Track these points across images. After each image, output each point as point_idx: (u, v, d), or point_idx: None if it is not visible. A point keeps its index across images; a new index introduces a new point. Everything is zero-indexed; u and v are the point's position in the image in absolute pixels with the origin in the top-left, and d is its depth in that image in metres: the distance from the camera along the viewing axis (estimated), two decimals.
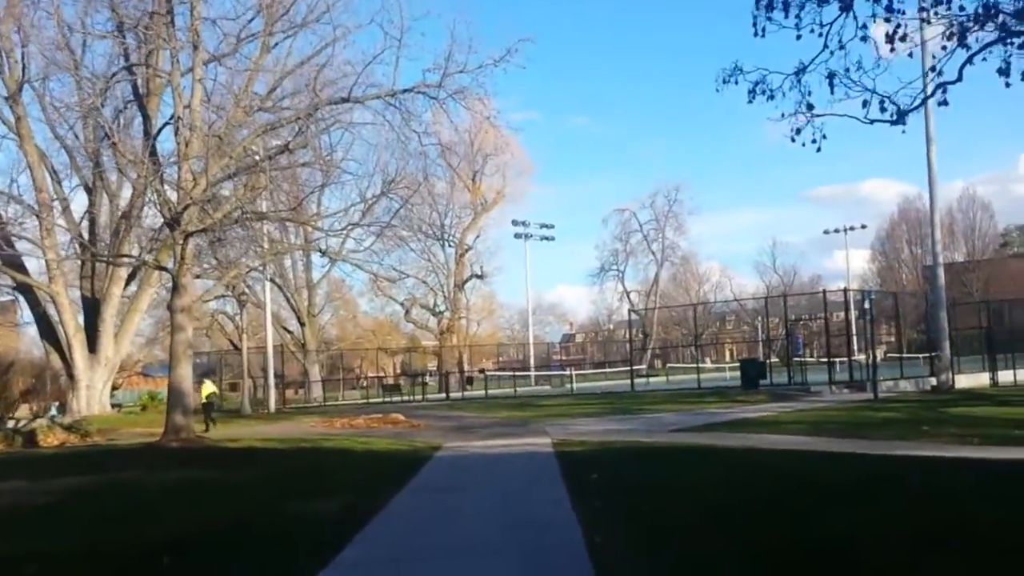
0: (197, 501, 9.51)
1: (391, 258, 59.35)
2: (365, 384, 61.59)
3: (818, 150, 9.21)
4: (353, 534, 7.02)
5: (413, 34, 21.71)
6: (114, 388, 39.38)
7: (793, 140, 9.25)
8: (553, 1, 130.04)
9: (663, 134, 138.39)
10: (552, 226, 68.76)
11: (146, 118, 22.44)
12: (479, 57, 19.91)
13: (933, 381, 26.09)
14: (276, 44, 20.82)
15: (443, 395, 42.29)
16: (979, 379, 27.05)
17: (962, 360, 27.69)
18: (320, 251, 27.04)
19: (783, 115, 9.36)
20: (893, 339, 40.46)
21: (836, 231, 75.46)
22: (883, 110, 9.02)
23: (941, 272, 25.77)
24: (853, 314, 31.96)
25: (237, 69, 20.77)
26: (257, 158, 21.73)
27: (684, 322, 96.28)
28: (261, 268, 40.19)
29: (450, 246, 67.98)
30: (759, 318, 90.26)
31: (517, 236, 67.54)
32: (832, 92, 9.00)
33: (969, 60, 8.54)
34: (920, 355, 31.57)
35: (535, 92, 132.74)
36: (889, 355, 28.93)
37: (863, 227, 78.10)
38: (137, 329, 43.14)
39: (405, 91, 20.05)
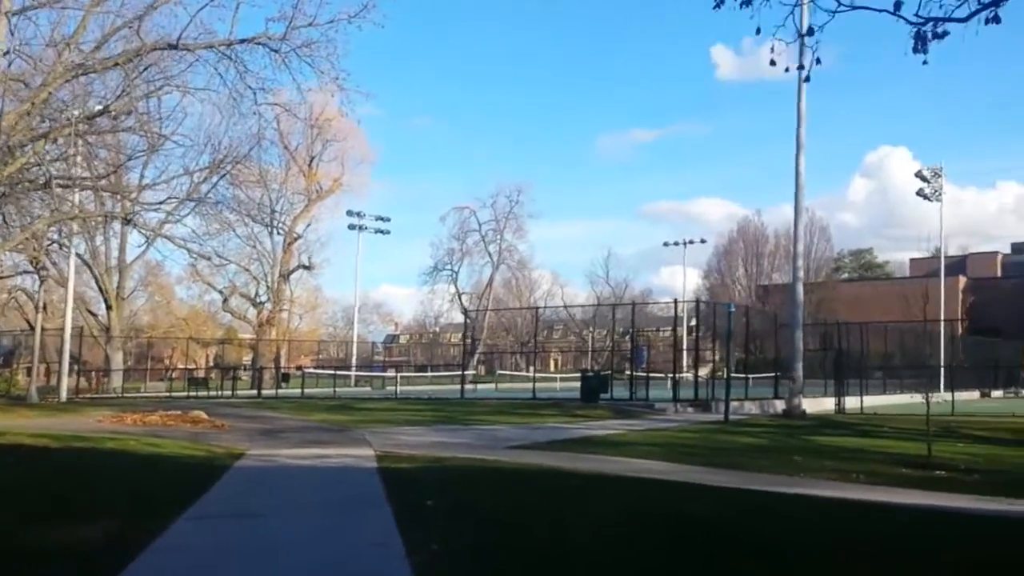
0: None
1: (214, 242, 55.75)
2: (174, 376, 57.21)
3: (806, 80, 7.56)
4: None
5: None
6: None
7: (773, 64, 7.66)
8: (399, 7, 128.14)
9: (504, 141, 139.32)
10: (388, 219, 66.57)
11: None
12: (332, 10, 17.83)
13: (780, 404, 25.65)
14: None
15: (255, 392, 39.22)
16: (823, 404, 26.86)
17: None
18: (125, 220, 23.84)
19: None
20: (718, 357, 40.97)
21: (676, 244, 77.13)
22: None
23: (800, 289, 25.21)
24: (683, 329, 31.85)
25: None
26: (72, 118, 18.99)
27: (513, 328, 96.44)
28: (65, 241, 36.14)
29: (279, 233, 64.50)
30: (589, 328, 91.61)
31: (351, 227, 64.80)
32: None
33: None
34: (758, 375, 31.53)
35: (378, 88, 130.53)
36: (718, 374, 28.49)
37: (703, 241, 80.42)
38: None
39: (243, 41, 17.65)
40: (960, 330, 60.54)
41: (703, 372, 34.17)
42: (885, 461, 12.37)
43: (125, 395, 39.38)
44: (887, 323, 38.87)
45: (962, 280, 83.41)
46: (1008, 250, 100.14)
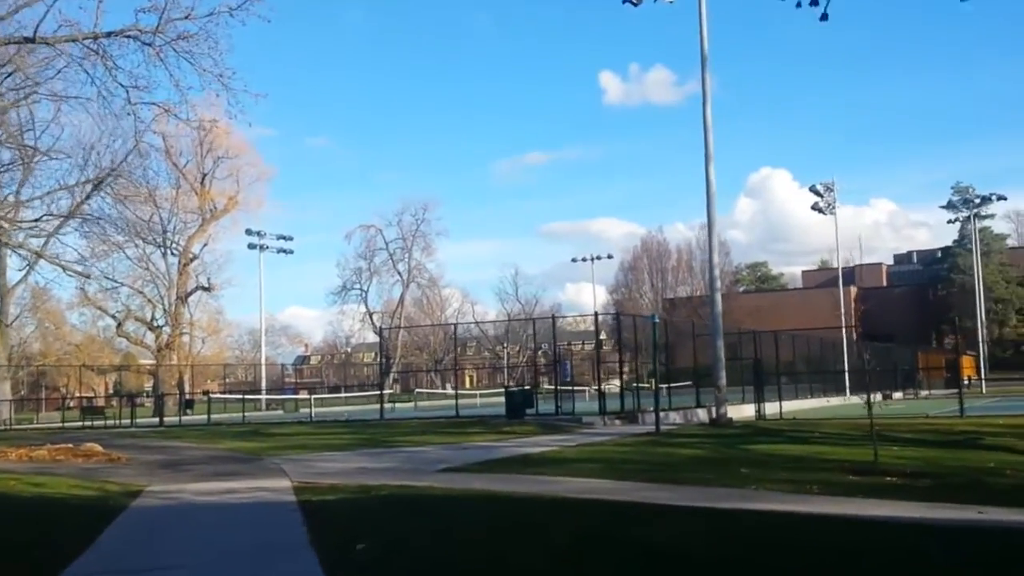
0: None
1: (102, 264, 52.86)
2: (71, 405, 54.05)
3: (824, 18, 7.09)
4: None
5: None
6: None
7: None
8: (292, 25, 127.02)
9: (402, 164, 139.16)
10: (291, 238, 64.24)
11: None
12: (212, 2, 16.38)
13: (703, 413, 25.30)
14: None
15: (157, 420, 36.94)
16: (743, 410, 26.57)
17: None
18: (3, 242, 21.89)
19: None
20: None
21: (584, 260, 77.15)
22: None
23: (719, 298, 24.87)
24: (602, 342, 31.29)
25: None
26: None
27: (426, 347, 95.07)
28: None
29: (173, 254, 61.72)
30: (502, 345, 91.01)
31: (251, 247, 62.38)
32: None
33: None
34: (675, 384, 31.07)
35: (269, 107, 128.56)
36: (634, 384, 27.90)
37: (609, 257, 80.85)
38: None
39: (110, 34, 16.05)
40: (855, 336, 62.36)
41: (617, 384, 33.76)
42: (833, 469, 11.77)
43: (15, 427, 36.67)
44: (796, 331, 39.20)
45: (853, 290, 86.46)
46: (891, 261, 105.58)
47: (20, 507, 10.11)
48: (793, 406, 29.69)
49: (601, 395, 24.75)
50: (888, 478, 10.76)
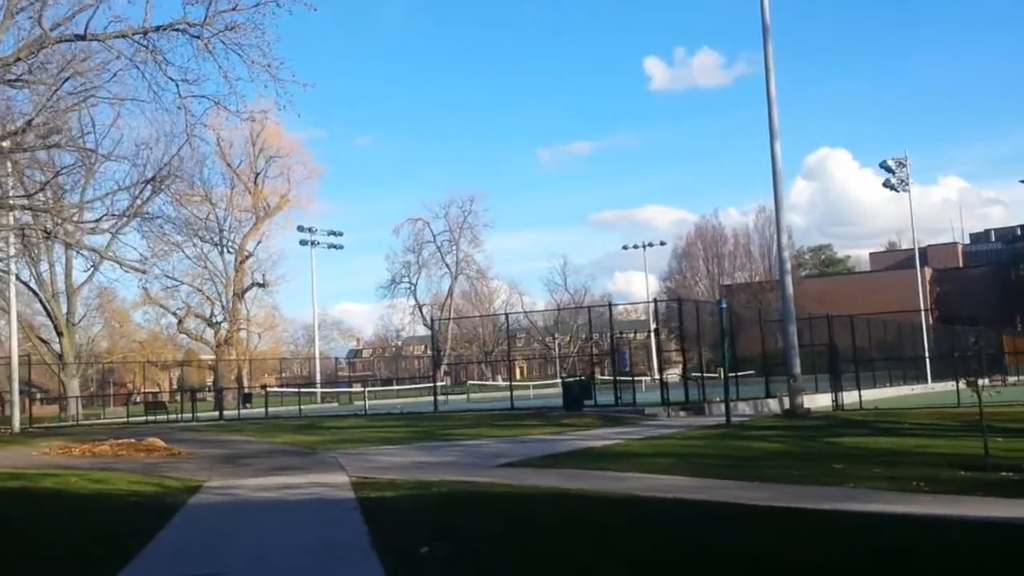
0: None
1: (164, 264, 54.16)
2: (137, 400, 55.21)
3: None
4: None
5: None
6: None
7: None
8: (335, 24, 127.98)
9: (446, 159, 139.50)
10: (341, 233, 64.89)
11: None
12: None
13: (773, 403, 24.50)
14: None
15: (217, 414, 37.30)
16: (818, 400, 25.57)
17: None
18: (46, 233, 22.11)
19: None
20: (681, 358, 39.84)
21: (635, 247, 76.16)
22: None
23: (789, 281, 23.94)
24: (646, 332, 30.50)
25: None
26: None
27: (476, 339, 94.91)
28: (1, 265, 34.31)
29: (229, 252, 62.80)
30: (551, 336, 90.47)
31: (303, 243, 63.15)
32: None
33: None
34: (742, 374, 30.24)
35: (317, 110, 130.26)
36: (695, 374, 27.24)
37: (662, 244, 79.70)
38: None
39: (159, 28, 16.00)
40: (931, 320, 60.17)
41: (675, 372, 32.98)
42: (937, 464, 10.97)
43: (82, 423, 37.35)
44: (871, 315, 37.87)
45: (928, 271, 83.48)
46: (965, 240, 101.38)
47: (79, 505, 10.03)
48: (872, 395, 28.56)
49: (663, 385, 24.13)
50: (1004, 473, 9.96)
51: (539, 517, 7.94)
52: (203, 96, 17.36)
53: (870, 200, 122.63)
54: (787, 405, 23.63)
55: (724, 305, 22.04)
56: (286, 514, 9.09)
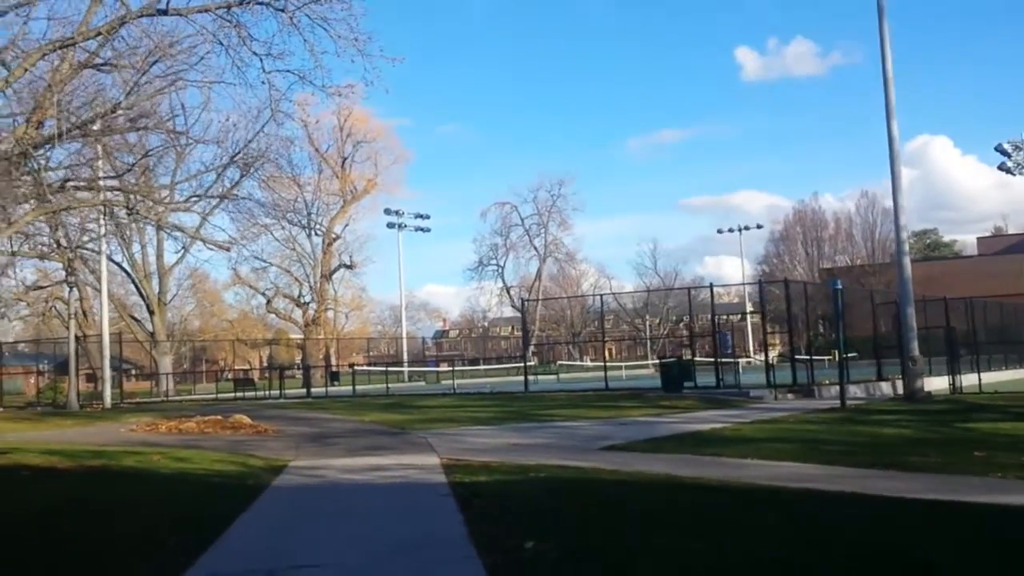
0: None
1: (253, 246, 55.09)
2: (229, 377, 56.35)
3: None
4: None
5: None
6: None
7: None
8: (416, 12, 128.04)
9: (532, 148, 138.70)
10: (427, 216, 64.74)
11: None
12: None
13: (886, 386, 23.25)
14: None
15: (305, 391, 37.29)
16: (933, 383, 23.91)
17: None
18: (130, 211, 22.06)
19: None
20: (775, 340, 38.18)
21: (730, 230, 74.15)
22: None
23: (907, 262, 22.50)
24: (739, 315, 29.13)
25: None
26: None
27: (563, 320, 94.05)
28: (93, 245, 35.04)
29: (317, 235, 63.55)
30: (640, 318, 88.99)
31: (390, 226, 63.18)
32: None
33: None
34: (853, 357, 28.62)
35: (404, 98, 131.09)
36: (799, 355, 25.70)
37: (759, 227, 77.54)
38: None
39: (242, 2, 15.43)
40: None
41: (772, 356, 31.46)
42: None
43: (172, 399, 37.88)
44: (987, 298, 35.53)
45: None
46: None
47: (159, 486, 9.47)
48: (989, 378, 26.93)
49: (769, 367, 22.80)
50: None
51: (659, 511, 6.94)
52: (288, 71, 16.76)
53: (973, 186, 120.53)
54: (902, 388, 22.46)
55: (838, 286, 20.56)
56: (374, 499, 8.33)
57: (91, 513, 7.76)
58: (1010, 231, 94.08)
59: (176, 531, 6.71)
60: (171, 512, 7.69)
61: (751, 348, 63.51)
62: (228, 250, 26.35)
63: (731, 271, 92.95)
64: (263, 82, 16.92)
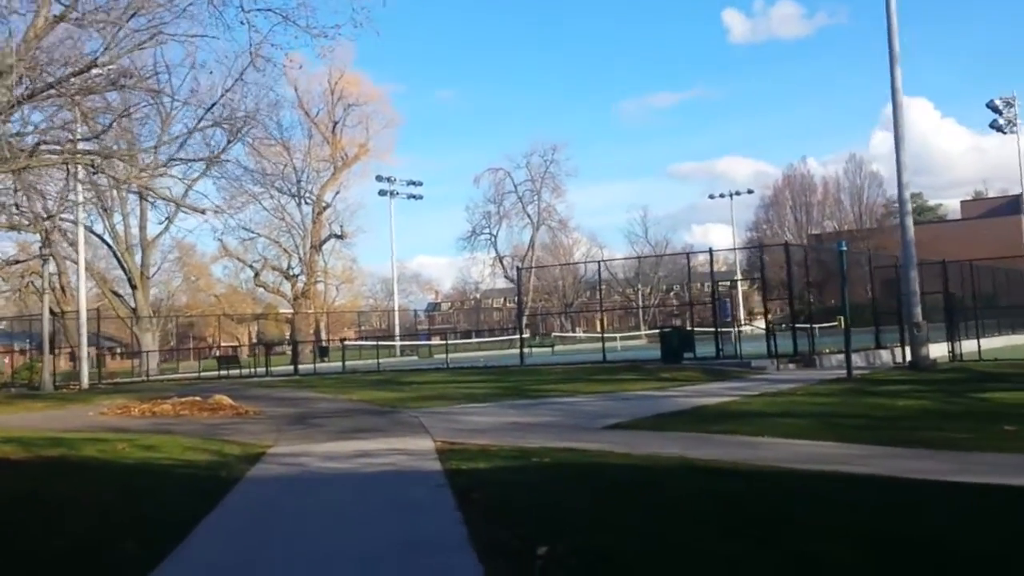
0: None
1: (240, 215, 53.41)
2: (216, 355, 55.15)
3: None
4: None
5: None
6: None
7: None
8: None
9: (524, 112, 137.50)
10: (420, 183, 63.40)
11: None
12: None
13: (886, 354, 22.63)
14: None
15: (292, 368, 36.27)
16: (932, 351, 23.17)
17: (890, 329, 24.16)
18: (129, 187, 20.97)
19: None
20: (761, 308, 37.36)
21: (720, 196, 73.11)
22: None
23: (910, 223, 21.35)
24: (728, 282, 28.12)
25: None
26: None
27: (555, 291, 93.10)
28: (68, 215, 33.67)
29: (307, 203, 62.04)
30: (632, 287, 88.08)
31: (382, 193, 61.92)
32: None
33: None
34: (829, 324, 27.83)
35: (398, 63, 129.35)
36: (783, 324, 24.92)
37: (749, 192, 76.66)
38: None
39: None
40: None
41: (760, 324, 30.62)
42: None
43: (154, 378, 36.72)
44: (981, 261, 34.65)
45: None
46: None
47: (120, 479, 8.50)
48: (992, 344, 26.35)
49: (771, 336, 21.92)
50: None
51: (670, 495, 6.04)
52: (269, 9, 15.67)
53: (952, 150, 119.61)
54: (902, 356, 21.76)
55: (843, 248, 19.63)
56: (359, 494, 7.38)
57: (36, 515, 6.80)
58: (990, 195, 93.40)
59: (131, 535, 5.78)
60: (128, 513, 6.73)
61: (742, 316, 62.74)
62: (212, 213, 25.09)
63: (718, 238, 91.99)
64: (242, 22, 15.92)
